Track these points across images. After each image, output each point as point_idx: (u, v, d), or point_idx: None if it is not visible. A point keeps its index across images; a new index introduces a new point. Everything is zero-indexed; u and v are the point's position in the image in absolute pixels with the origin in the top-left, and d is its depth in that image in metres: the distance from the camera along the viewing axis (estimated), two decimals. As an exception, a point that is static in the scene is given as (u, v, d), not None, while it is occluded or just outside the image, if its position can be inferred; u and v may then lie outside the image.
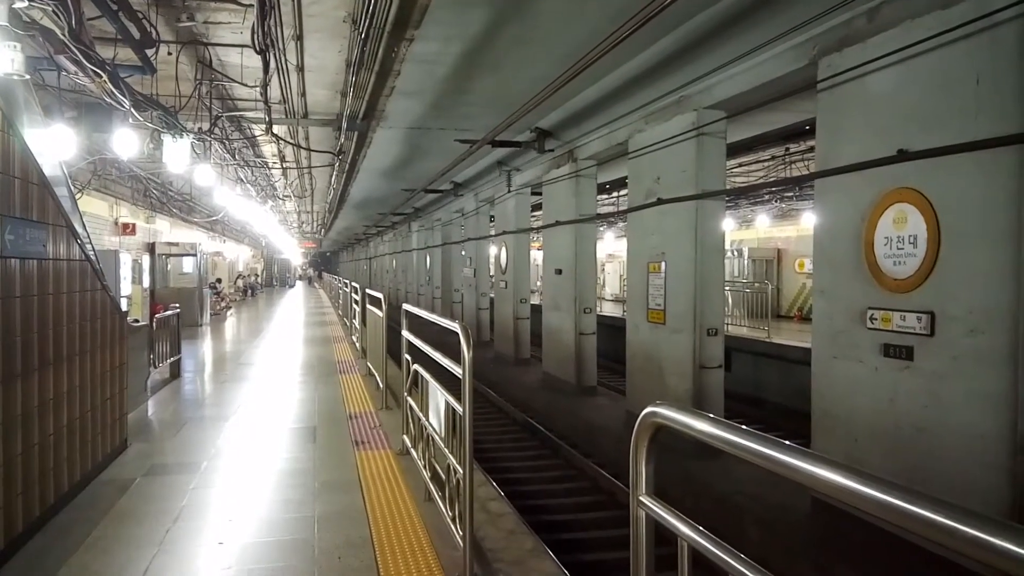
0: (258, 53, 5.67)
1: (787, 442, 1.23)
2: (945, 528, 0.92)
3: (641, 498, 1.57)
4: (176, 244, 18.20)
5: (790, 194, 17.02)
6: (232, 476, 5.14)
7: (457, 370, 3.38)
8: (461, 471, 3.32)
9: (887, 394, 5.33)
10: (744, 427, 1.32)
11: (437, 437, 3.98)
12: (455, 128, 11.48)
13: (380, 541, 3.83)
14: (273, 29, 6.17)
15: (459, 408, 3.33)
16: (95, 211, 12.81)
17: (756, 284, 17.34)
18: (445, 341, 3.97)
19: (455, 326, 3.38)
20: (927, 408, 5.02)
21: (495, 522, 4.15)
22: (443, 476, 3.82)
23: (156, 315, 8.81)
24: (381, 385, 7.59)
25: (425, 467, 4.38)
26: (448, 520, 3.65)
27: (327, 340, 14.39)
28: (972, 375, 4.71)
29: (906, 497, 0.99)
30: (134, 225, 15.03)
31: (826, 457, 1.14)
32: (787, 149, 12.72)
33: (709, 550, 1.37)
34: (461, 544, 3.30)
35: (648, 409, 1.54)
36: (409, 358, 5.01)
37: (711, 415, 1.40)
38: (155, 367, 8.48)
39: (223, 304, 22.82)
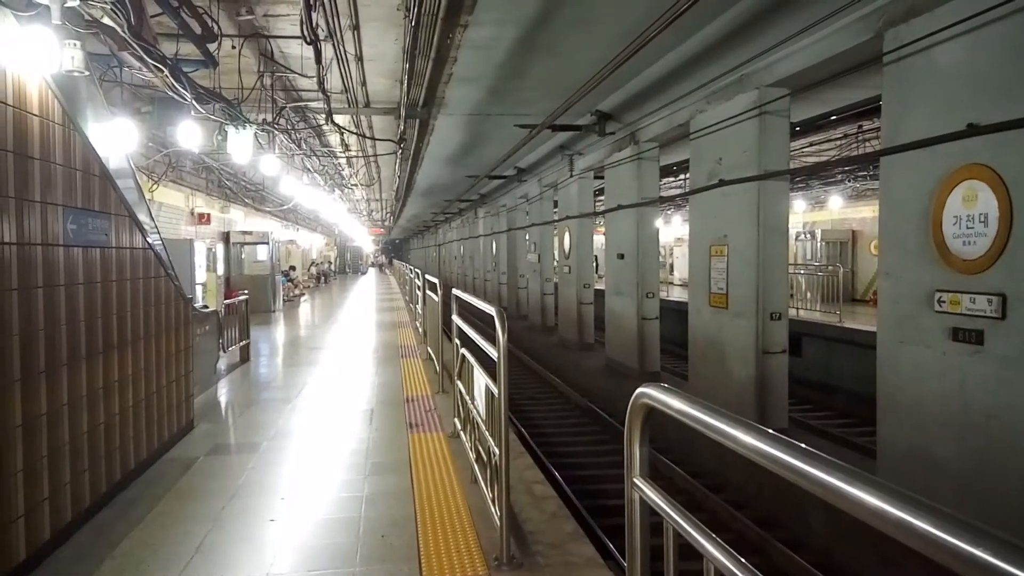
0: (308, 44, 5.78)
1: (772, 431, 1.19)
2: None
3: (635, 480, 1.54)
4: (250, 233, 18.79)
5: (864, 173, 16.27)
6: (289, 456, 5.32)
7: (494, 353, 3.39)
8: (498, 452, 3.34)
9: (956, 380, 5.09)
10: (730, 414, 1.27)
11: (480, 419, 4.01)
12: (515, 113, 11.45)
13: (423, 521, 3.89)
14: (330, 20, 6.29)
15: (495, 390, 3.35)
16: (172, 202, 13.35)
17: (829, 267, 16.73)
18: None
19: (491, 309, 3.40)
20: (998, 394, 4.77)
21: (538, 505, 4.16)
22: (485, 458, 3.86)
23: (225, 301, 9.14)
24: (438, 369, 7.69)
25: (471, 449, 4.42)
26: (488, 501, 3.68)
27: (393, 325, 14.65)
28: (1046, 361, 4.45)
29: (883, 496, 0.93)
30: (209, 215, 15.59)
31: (810, 450, 1.09)
32: (860, 127, 12.17)
33: (692, 535, 1.34)
34: (499, 524, 3.33)
35: (639, 391, 1.51)
36: (459, 342, 5.07)
37: (702, 401, 1.36)
38: (224, 351, 8.81)
39: (297, 291, 23.51)
